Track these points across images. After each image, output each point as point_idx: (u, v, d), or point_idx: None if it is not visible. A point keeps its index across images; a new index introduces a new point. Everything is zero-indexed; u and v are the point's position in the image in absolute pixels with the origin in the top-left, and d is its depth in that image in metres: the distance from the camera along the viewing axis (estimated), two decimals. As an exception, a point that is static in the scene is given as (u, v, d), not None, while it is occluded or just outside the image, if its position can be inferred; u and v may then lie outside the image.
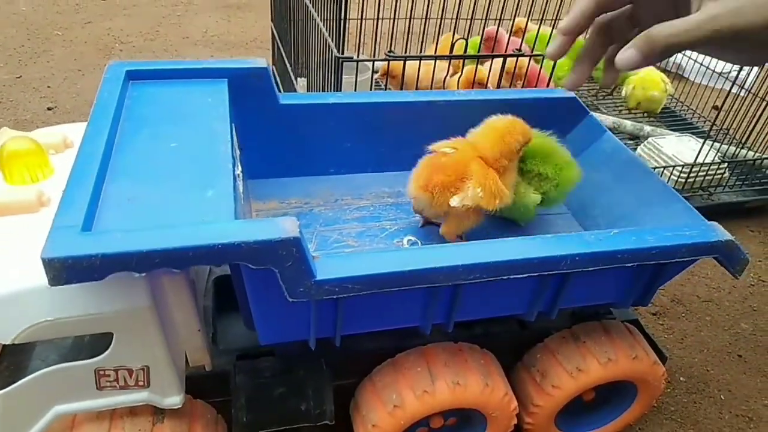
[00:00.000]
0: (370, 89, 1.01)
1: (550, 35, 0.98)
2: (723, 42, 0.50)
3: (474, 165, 0.70)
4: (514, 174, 0.75)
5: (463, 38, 0.93)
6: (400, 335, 0.68)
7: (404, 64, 0.92)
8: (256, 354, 0.68)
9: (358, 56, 0.89)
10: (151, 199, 0.52)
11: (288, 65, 1.26)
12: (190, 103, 0.68)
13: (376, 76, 1.13)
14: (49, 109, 1.52)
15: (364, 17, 0.85)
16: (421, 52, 1.18)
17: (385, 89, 0.94)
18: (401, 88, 1.14)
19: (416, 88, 0.97)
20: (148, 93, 0.68)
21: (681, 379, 0.97)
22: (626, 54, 0.50)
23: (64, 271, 0.43)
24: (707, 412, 0.92)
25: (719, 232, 0.63)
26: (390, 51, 0.84)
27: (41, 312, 0.50)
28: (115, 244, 0.44)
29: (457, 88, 1.01)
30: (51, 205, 0.57)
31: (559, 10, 1.11)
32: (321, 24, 0.91)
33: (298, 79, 1.11)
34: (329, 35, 0.86)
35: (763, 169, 1.40)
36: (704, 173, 1.28)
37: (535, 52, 0.92)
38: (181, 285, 0.58)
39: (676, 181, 1.27)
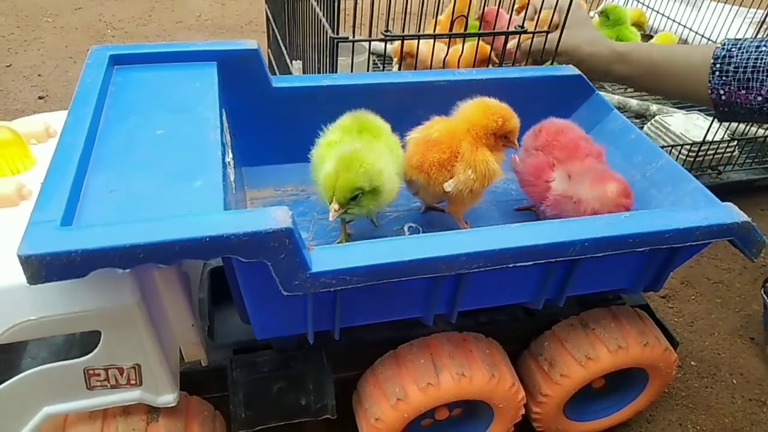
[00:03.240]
0: (367, 71, 0.97)
1: (553, 13, 0.95)
2: None
3: (465, 144, 0.67)
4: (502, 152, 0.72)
5: (463, 15, 0.89)
6: (402, 325, 0.65)
7: (418, 42, 0.88)
8: (254, 347, 0.66)
9: (354, 37, 0.85)
10: (136, 191, 0.50)
11: (283, 48, 1.22)
12: (177, 88, 0.64)
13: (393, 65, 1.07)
14: (40, 98, 1.49)
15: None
16: (419, 31, 1.14)
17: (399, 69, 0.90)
18: (415, 66, 1.10)
19: (431, 66, 0.93)
20: (133, 78, 0.65)
21: (692, 363, 0.94)
22: None
23: (42, 268, 0.41)
24: (719, 396, 0.90)
25: (735, 214, 0.60)
26: (387, 30, 0.80)
27: (24, 311, 0.48)
28: (96, 239, 0.42)
29: (458, 66, 0.97)
30: (32, 198, 0.54)
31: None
32: (315, 3, 0.87)
33: (294, 62, 1.07)
34: (323, 15, 0.82)
35: (774, 146, 1.37)
36: (713, 152, 1.25)
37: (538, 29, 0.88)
38: (173, 278, 0.56)
39: (685, 160, 1.24)
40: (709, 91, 0.86)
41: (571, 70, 0.87)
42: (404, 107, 0.76)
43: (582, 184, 0.68)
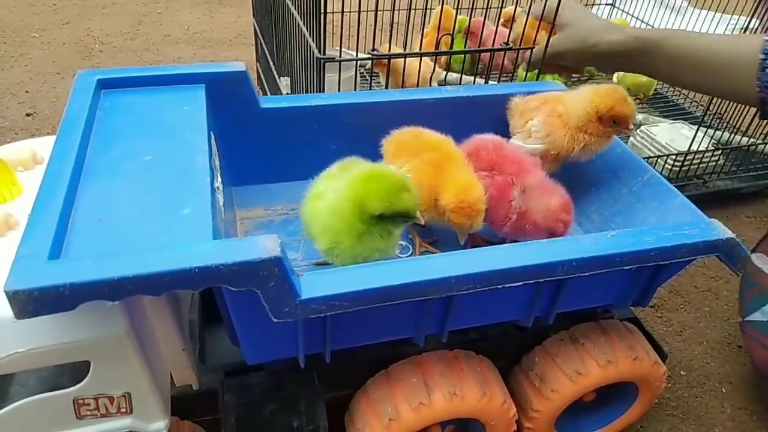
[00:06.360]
0: (355, 87, 0.98)
1: (539, 27, 0.95)
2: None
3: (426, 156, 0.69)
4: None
5: (449, 34, 0.90)
6: (394, 344, 0.66)
7: (404, 61, 0.89)
8: (246, 370, 0.66)
9: (341, 52, 0.86)
10: (124, 220, 0.50)
11: (271, 63, 1.23)
12: (165, 112, 0.64)
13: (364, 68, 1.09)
14: (27, 115, 1.48)
15: (345, 10, 0.81)
16: (406, 44, 1.15)
17: (386, 85, 0.90)
18: (402, 81, 1.11)
19: (418, 83, 0.94)
20: (121, 103, 0.65)
21: (681, 373, 0.95)
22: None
23: (30, 303, 0.41)
24: (709, 406, 0.90)
25: (720, 230, 0.61)
26: (374, 49, 0.80)
27: (11, 343, 0.47)
28: (84, 272, 0.42)
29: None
30: (19, 228, 0.54)
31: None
32: (300, 21, 0.87)
33: (282, 78, 1.08)
34: (309, 34, 0.83)
35: (758, 155, 1.38)
36: (698, 161, 1.26)
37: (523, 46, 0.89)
38: (163, 305, 0.56)
39: (671, 170, 1.25)
40: (758, 89, 0.75)
41: (557, 85, 0.88)
42: (392, 124, 0.77)
43: (532, 196, 0.67)
